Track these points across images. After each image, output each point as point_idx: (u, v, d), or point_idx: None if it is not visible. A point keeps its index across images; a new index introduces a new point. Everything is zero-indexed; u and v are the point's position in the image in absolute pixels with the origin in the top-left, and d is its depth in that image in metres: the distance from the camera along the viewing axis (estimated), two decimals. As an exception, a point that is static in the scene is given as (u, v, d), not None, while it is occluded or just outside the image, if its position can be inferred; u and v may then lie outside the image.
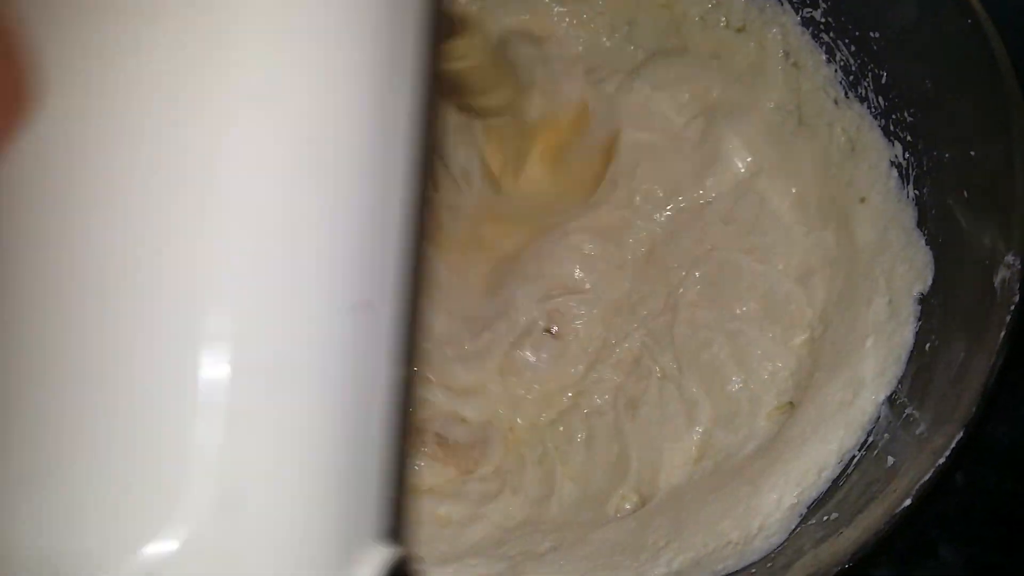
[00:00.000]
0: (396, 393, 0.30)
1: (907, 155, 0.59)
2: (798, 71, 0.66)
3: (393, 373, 0.30)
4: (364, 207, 0.29)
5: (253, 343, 0.26)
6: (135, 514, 0.25)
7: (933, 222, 0.56)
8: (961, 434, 0.44)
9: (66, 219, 0.26)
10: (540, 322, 0.67)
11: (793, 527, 0.52)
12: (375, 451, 0.29)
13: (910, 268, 0.56)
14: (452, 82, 0.62)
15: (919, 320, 0.55)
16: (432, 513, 0.61)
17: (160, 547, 0.25)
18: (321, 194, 0.28)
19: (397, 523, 0.30)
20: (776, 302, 0.64)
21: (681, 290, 0.66)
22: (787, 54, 0.66)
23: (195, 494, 0.25)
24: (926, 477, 0.44)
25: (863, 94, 0.61)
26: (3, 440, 0.26)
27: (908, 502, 0.44)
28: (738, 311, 0.64)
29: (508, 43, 0.69)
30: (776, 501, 0.54)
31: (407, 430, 0.30)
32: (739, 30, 0.68)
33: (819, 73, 0.64)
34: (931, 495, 0.45)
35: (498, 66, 0.64)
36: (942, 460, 0.44)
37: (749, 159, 0.67)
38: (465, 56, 0.59)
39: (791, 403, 0.60)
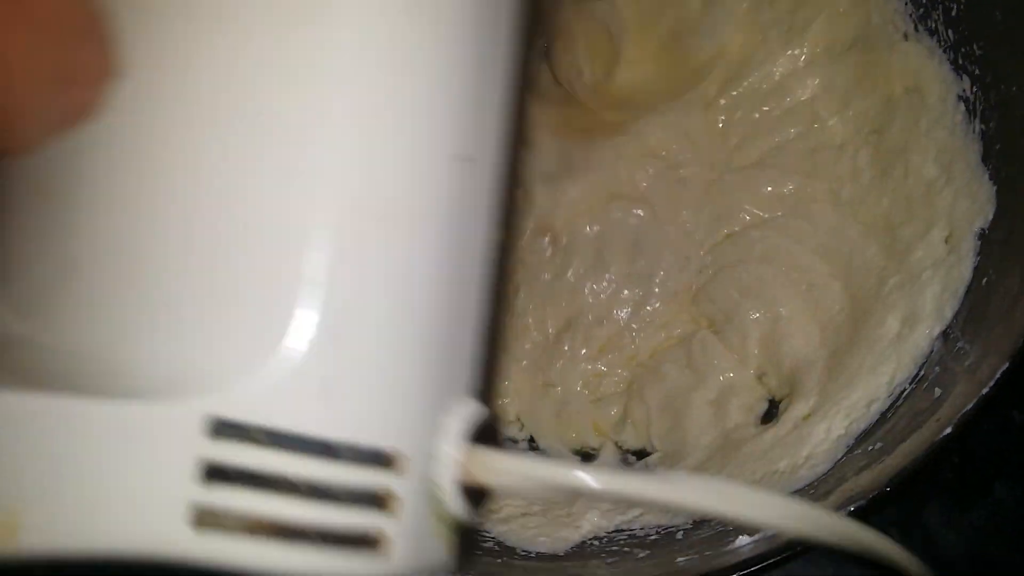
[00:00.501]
0: (491, 251, 0.32)
1: (975, 89, 0.58)
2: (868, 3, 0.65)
3: (491, 230, 0.32)
4: (470, 60, 0.30)
5: (360, 185, 0.28)
6: (244, 336, 0.27)
7: (997, 157, 0.55)
8: (1007, 365, 0.44)
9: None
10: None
11: (839, 457, 0.53)
12: (472, 306, 0.31)
13: (972, 203, 0.56)
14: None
15: (977, 255, 0.54)
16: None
17: (265, 371, 0.26)
18: (427, 43, 0.29)
19: (486, 384, 0.31)
20: (837, 241, 0.64)
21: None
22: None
23: (301, 321, 0.27)
24: (969, 406, 0.44)
25: (932, 27, 0.60)
26: (134, 267, 0.28)
27: (948, 430, 0.44)
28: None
29: None
30: (825, 431, 0.54)
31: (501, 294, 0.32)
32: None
33: (888, 6, 0.63)
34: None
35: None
36: (986, 390, 0.44)
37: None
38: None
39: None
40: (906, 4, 0.62)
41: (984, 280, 0.53)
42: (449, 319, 0.30)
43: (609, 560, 0.52)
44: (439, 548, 0.30)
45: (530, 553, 0.54)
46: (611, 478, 0.29)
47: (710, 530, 0.51)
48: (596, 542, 0.54)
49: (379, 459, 0.28)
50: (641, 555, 0.51)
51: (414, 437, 0.29)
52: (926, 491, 0.61)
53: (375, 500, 0.27)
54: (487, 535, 0.54)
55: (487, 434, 0.31)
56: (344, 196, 0.28)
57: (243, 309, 0.27)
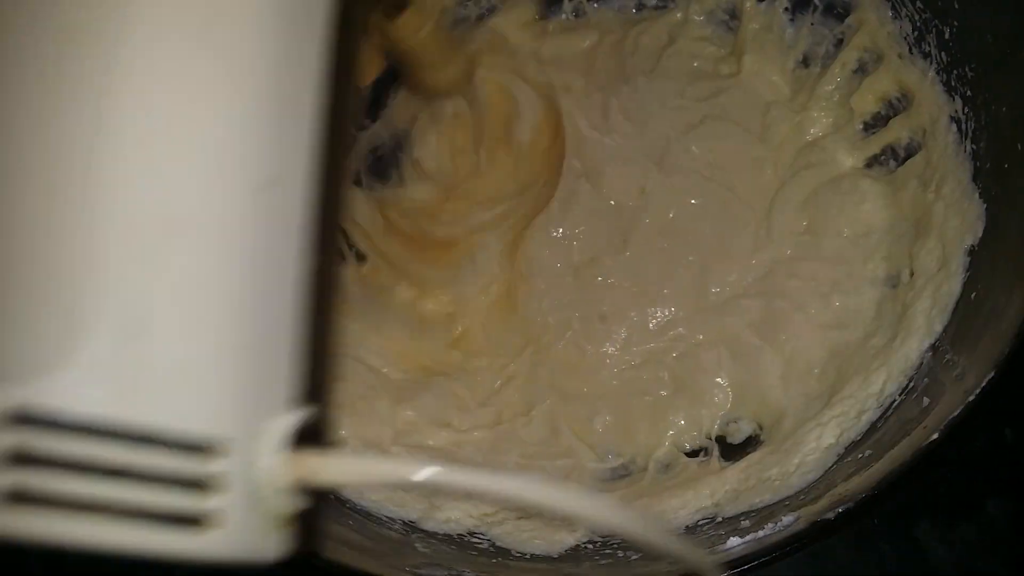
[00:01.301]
0: (309, 269, 0.33)
1: (967, 110, 0.59)
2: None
3: (306, 249, 0.32)
4: (264, 92, 0.31)
5: (149, 200, 0.29)
6: (48, 333, 0.28)
7: (987, 176, 0.57)
8: (993, 373, 0.45)
9: None
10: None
11: (829, 465, 0.54)
12: (288, 316, 0.32)
13: (963, 221, 0.57)
14: (403, 58, 0.64)
15: (967, 271, 0.56)
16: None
17: (68, 365, 0.28)
18: (217, 71, 0.30)
19: (315, 388, 0.32)
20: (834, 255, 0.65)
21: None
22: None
23: (98, 321, 0.28)
24: (955, 413, 0.45)
25: (927, 50, 0.62)
26: None
27: (935, 436, 0.45)
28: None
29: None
30: (816, 440, 0.55)
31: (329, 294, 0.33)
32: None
33: (884, 29, 0.65)
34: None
35: (445, 40, 0.65)
36: (972, 397, 0.45)
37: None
38: (413, 31, 0.60)
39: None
40: (900, 27, 0.63)
41: (973, 295, 0.54)
42: (255, 326, 0.31)
43: (602, 562, 0.53)
44: (268, 536, 0.31)
45: (525, 555, 0.55)
46: (432, 471, 0.31)
47: (702, 534, 0.52)
48: (590, 545, 0.54)
49: (191, 446, 0.29)
50: (634, 557, 0.52)
51: (224, 428, 0.30)
52: (918, 506, 0.61)
53: (191, 484, 0.29)
54: (482, 536, 0.55)
55: (314, 434, 0.32)
56: (134, 210, 0.29)
57: (44, 309, 0.29)
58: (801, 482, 0.53)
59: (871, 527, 0.54)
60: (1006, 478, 0.63)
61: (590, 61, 0.74)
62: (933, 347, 0.55)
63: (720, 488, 0.56)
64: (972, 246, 0.56)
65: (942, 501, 0.62)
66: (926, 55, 0.62)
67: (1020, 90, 0.55)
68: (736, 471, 0.57)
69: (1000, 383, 0.45)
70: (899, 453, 0.47)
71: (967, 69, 0.59)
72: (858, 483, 0.48)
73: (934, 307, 0.56)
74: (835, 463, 0.54)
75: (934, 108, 0.62)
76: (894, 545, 0.60)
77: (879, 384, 0.55)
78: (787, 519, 0.49)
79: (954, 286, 0.56)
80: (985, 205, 0.56)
